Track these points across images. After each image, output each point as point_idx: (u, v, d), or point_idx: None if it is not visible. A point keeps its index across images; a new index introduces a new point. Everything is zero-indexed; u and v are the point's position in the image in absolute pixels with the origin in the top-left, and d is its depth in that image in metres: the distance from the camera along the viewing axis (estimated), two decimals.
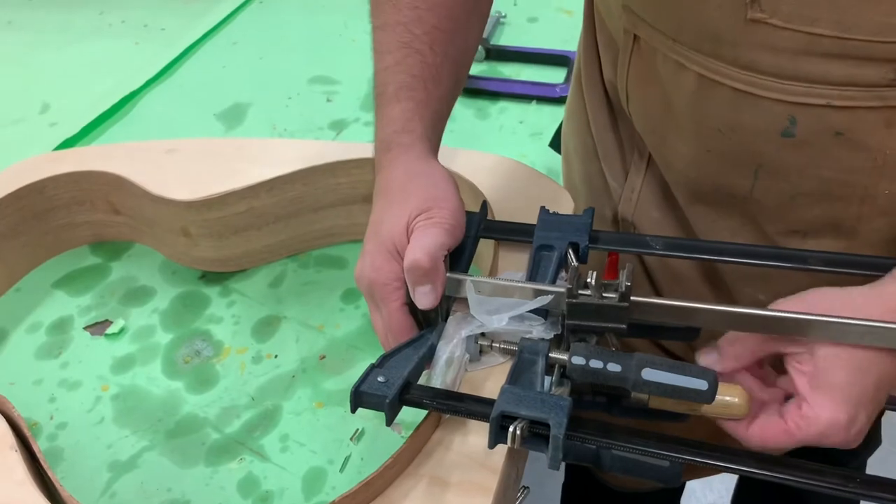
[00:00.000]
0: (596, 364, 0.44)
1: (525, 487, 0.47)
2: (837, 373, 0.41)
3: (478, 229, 0.53)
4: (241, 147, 0.69)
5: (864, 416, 0.41)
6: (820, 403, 0.41)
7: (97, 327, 0.63)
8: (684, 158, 0.53)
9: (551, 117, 0.85)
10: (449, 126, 0.83)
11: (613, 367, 0.44)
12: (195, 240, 0.65)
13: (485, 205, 0.55)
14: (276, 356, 0.61)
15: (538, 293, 0.46)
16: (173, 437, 0.55)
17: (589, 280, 0.44)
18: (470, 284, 0.46)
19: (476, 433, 0.43)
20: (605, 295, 0.45)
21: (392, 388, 0.41)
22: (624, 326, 0.45)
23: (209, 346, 0.62)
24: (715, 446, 0.41)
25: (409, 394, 0.42)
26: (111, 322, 0.64)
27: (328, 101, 0.88)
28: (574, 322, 0.46)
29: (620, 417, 0.48)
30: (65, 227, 0.68)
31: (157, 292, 0.66)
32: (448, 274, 0.47)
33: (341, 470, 0.52)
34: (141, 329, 0.63)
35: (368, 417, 0.55)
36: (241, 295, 0.66)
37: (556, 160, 0.77)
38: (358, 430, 0.55)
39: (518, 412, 0.39)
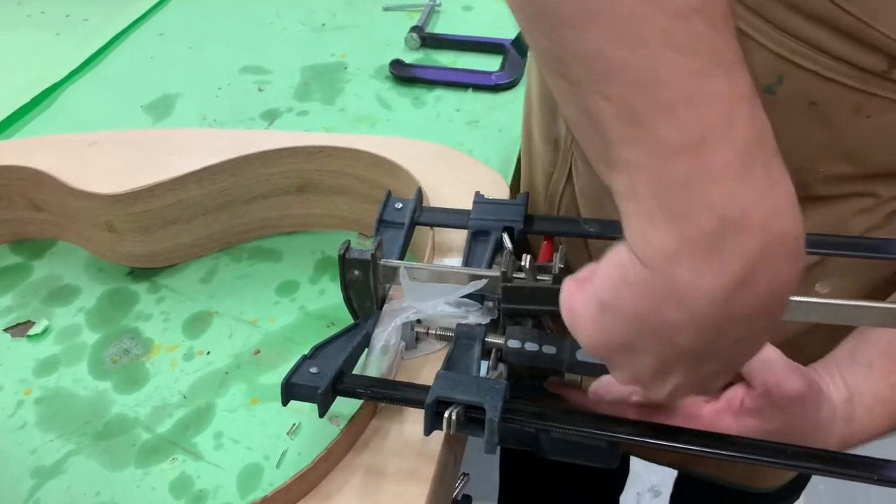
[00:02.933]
0: (531, 347, 0.44)
1: (465, 474, 0.47)
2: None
3: (412, 216, 0.53)
4: (168, 138, 0.67)
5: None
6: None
7: (18, 328, 0.60)
8: None
9: (487, 105, 0.84)
10: (385, 115, 0.84)
11: (549, 350, 0.44)
12: (121, 235, 0.63)
13: (419, 192, 0.54)
14: (208, 352, 0.59)
15: (473, 278, 0.45)
16: (101, 440, 0.53)
17: (523, 263, 0.44)
18: (404, 271, 0.45)
19: (412, 421, 0.43)
20: (539, 278, 0.45)
21: (325, 378, 0.40)
22: (558, 309, 0.45)
23: (138, 345, 0.59)
24: (647, 424, 0.41)
25: (342, 384, 0.41)
26: (33, 323, 0.61)
27: (260, 90, 0.86)
28: (509, 306, 0.45)
29: (557, 401, 0.48)
30: None
31: (82, 291, 0.64)
32: (382, 261, 0.46)
33: (278, 465, 0.51)
34: (66, 329, 0.61)
35: (305, 411, 0.54)
36: (170, 291, 0.64)
37: (493, 148, 0.77)
38: (295, 424, 0.53)
39: (453, 397, 0.39)
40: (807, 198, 0.51)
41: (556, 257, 0.44)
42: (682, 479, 1.17)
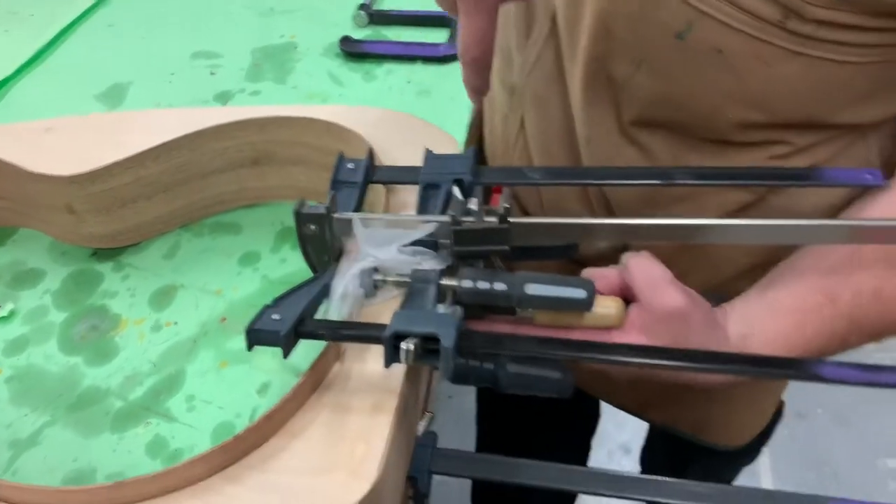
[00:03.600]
0: (483, 285, 0.46)
1: (429, 412, 0.49)
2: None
3: (365, 175, 0.54)
4: (122, 120, 0.68)
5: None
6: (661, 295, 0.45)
7: None
8: (587, 30, 0.54)
9: (437, 75, 0.86)
10: (337, 91, 0.85)
11: (500, 286, 0.46)
12: (81, 216, 0.64)
13: (371, 152, 0.56)
14: (175, 323, 0.60)
15: (424, 224, 0.47)
16: (75, 411, 0.54)
17: (471, 206, 0.46)
18: (357, 220, 0.47)
19: (374, 360, 0.45)
20: (486, 220, 0.47)
21: (287, 323, 0.42)
22: (507, 248, 0.47)
23: (105, 321, 0.61)
24: (595, 343, 0.44)
25: (304, 327, 0.43)
26: (0, 307, 0.62)
27: (212, 74, 0.88)
28: (461, 248, 0.48)
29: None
30: None
31: (47, 274, 0.65)
32: (336, 215, 0.48)
33: (250, 421, 0.53)
34: (32, 311, 0.62)
35: (274, 370, 0.56)
36: (134, 268, 0.65)
37: (445, 116, 0.79)
38: (264, 383, 0.55)
39: (410, 330, 0.41)
40: (723, 142, 0.54)
41: (501, 199, 0.46)
42: (651, 436, 1.21)
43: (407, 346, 0.40)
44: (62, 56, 0.90)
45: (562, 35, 0.58)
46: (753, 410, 0.78)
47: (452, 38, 0.90)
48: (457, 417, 1.36)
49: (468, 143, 0.77)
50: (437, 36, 0.92)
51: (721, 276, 0.61)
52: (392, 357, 0.41)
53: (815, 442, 1.38)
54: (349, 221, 0.48)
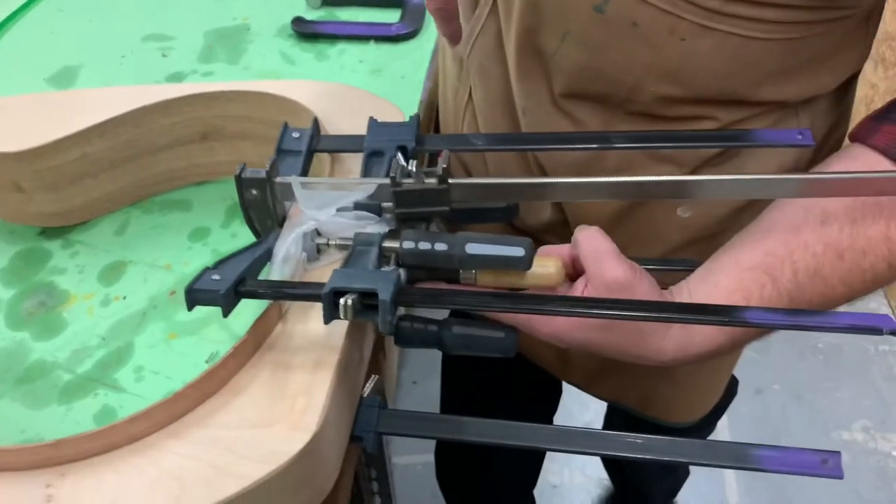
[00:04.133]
0: (424, 245, 0.47)
1: (375, 375, 0.50)
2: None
3: (310, 144, 0.55)
4: (70, 98, 0.68)
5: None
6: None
7: None
8: (516, 10, 0.55)
9: (390, 55, 0.87)
10: (289, 70, 0.86)
11: (440, 246, 0.47)
12: (29, 194, 0.63)
13: (316, 121, 0.57)
14: (124, 297, 0.60)
15: (364, 185, 0.48)
16: (22, 384, 0.54)
17: (410, 168, 0.47)
18: (296, 182, 0.48)
19: (317, 320, 0.45)
20: (426, 181, 0.48)
21: (226, 283, 0.43)
22: (447, 208, 0.48)
23: (54, 297, 0.61)
24: (528, 295, 0.44)
25: (244, 287, 0.44)
26: None
27: (164, 56, 0.87)
28: (402, 210, 0.48)
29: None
30: None
31: None
32: (277, 179, 0.48)
33: None
34: None
35: (223, 341, 0.56)
36: (84, 245, 0.65)
37: (397, 93, 0.80)
38: (213, 353, 0.56)
39: (348, 286, 0.41)
40: (651, 116, 0.55)
41: (440, 160, 0.47)
42: (609, 415, 1.23)
43: (345, 301, 0.41)
44: (11, 40, 0.90)
45: (500, 7, 0.59)
46: (700, 390, 0.79)
47: (404, 17, 0.91)
48: (421, 403, 1.37)
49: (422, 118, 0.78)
50: (390, 16, 0.92)
51: (655, 253, 0.62)
52: (331, 313, 0.42)
53: (772, 416, 1.41)
54: (290, 185, 0.49)
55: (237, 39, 0.90)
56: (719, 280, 0.49)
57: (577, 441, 0.45)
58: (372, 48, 0.88)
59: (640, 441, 0.45)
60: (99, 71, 0.85)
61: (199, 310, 0.59)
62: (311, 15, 0.93)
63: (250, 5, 0.96)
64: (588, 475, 1.35)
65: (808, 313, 0.41)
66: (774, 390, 1.46)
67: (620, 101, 0.55)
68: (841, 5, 0.48)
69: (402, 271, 0.45)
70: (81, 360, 0.56)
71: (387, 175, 0.52)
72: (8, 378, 0.55)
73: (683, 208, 0.61)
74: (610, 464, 1.30)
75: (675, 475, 1.23)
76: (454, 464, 1.06)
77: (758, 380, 1.48)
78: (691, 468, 1.22)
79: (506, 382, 0.96)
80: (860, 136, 0.49)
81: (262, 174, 0.48)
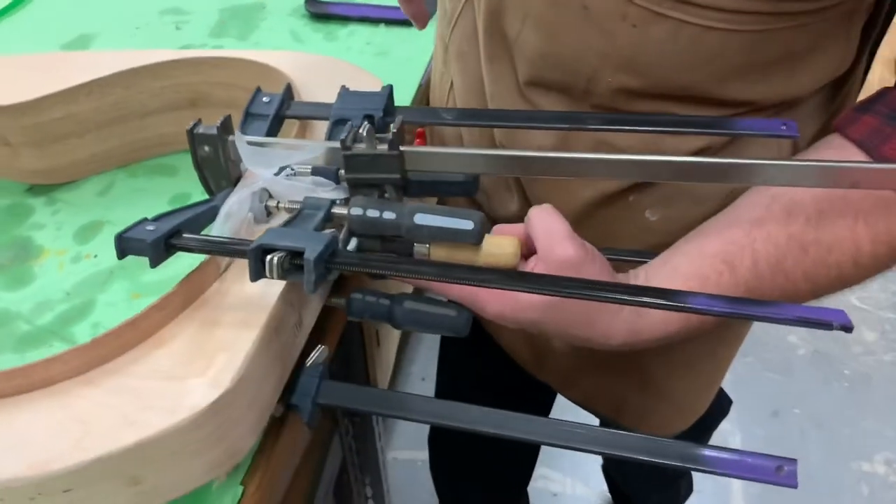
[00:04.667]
0: (373, 213, 0.46)
1: (322, 346, 0.49)
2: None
3: (278, 109, 0.54)
4: (66, 59, 0.68)
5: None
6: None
7: None
8: None
9: (398, 38, 0.86)
10: (296, 48, 0.85)
11: (389, 215, 0.45)
12: (16, 149, 0.64)
13: (288, 87, 0.56)
14: (95, 256, 0.60)
15: (311, 145, 0.47)
16: None
17: (360, 132, 0.46)
18: (241, 138, 0.47)
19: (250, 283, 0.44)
20: (378, 147, 0.46)
21: (157, 233, 0.42)
22: (398, 176, 0.47)
23: (28, 251, 0.61)
24: (462, 266, 0.43)
25: (178, 240, 0.43)
26: None
27: (177, 28, 0.88)
28: (353, 175, 0.47)
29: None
30: None
31: None
32: (230, 138, 0.48)
33: None
34: None
35: None
36: (66, 203, 0.66)
37: (397, 75, 0.79)
38: None
39: (276, 244, 0.40)
40: (612, 110, 0.52)
41: (392, 126, 0.46)
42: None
43: (272, 258, 0.40)
44: (35, 7, 0.92)
45: None
46: (677, 402, 0.75)
47: None
48: None
49: (416, 102, 0.77)
50: None
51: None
52: (258, 271, 0.41)
53: (789, 441, 1.35)
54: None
55: (250, 17, 0.90)
56: (679, 265, 0.47)
57: (508, 424, 0.43)
58: (381, 31, 0.88)
59: (579, 431, 0.43)
60: (113, 40, 0.86)
61: (165, 272, 0.59)
62: None
63: None
64: (591, 487, 1.31)
65: (753, 302, 0.38)
66: (794, 414, 1.40)
67: (581, 92, 0.52)
68: None
69: (338, 234, 0.44)
70: (43, 312, 0.56)
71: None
72: None
73: (652, 210, 0.58)
74: (606, 473, 1.26)
75: (676, 490, 1.18)
76: (444, 453, 1.04)
77: (776, 402, 1.42)
78: (696, 486, 1.18)
79: (495, 378, 0.94)
80: (839, 126, 0.46)
81: (214, 130, 0.47)
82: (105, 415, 0.38)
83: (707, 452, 0.43)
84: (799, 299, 0.46)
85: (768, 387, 1.42)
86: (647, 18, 0.46)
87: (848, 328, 0.37)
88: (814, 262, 0.44)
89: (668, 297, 0.39)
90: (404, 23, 0.87)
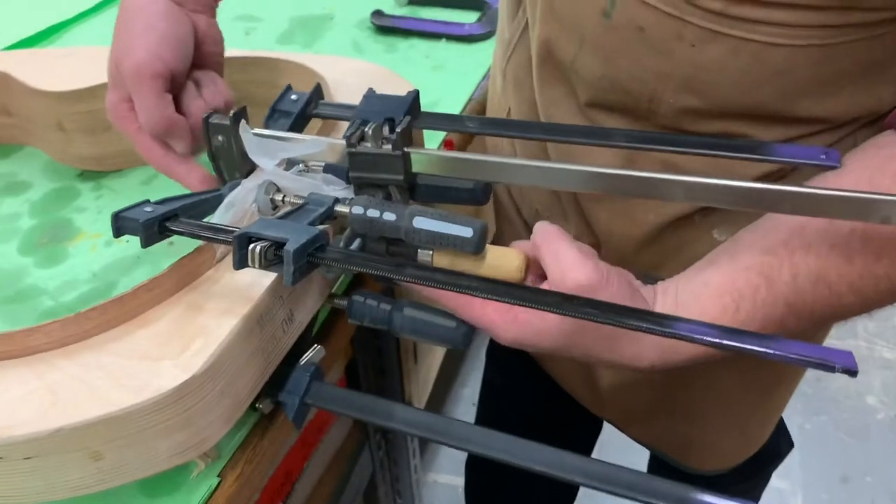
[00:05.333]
0: (373, 213, 0.45)
1: (317, 345, 0.48)
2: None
3: (304, 108, 0.54)
4: None
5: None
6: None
7: None
8: (537, 20, 0.53)
9: (457, 54, 0.86)
10: (354, 57, 0.86)
11: (389, 216, 0.44)
12: (70, 135, 0.67)
13: (318, 87, 0.56)
14: (127, 241, 0.62)
15: (315, 140, 0.46)
16: (9, 303, 0.57)
17: (367, 130, 0.45)
18: (245, 128, 0.47)
19: (247, 271, 0.44)
20: (383, 147, 0.46)
21: (153, 215, 0.42)
22: (401, 178, 0.46)
23: (67, 232, 0.63)
24: (449, 271, 0.41)
25: (174, 224, 0.43)
26: None
27: (246, 34, 0.91)
28: (357, 174, 0.46)
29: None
30: None
31: (33, 186, 0.69)
32: (242, 132, 0.48)
33: None
34: (8, 215, 0.65)
35: None
36: (111, 190, 0.68)
37: (450, 90, 0.78)
38: None
39: (260, 234, 0.40)
40: (678, 130, 0.50)
41: (398, 126, 0.45)
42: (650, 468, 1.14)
43: (254, 248, 0.39)
44: (114, 9, 0.96)
45: (529, 18, 0.57)
46: (733, 433, 0.72)
47: (481, 19, 0.90)
48: None
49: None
50: (469, 18, 0.91)
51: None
52: (241, 259, 0.40)
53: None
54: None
55: (318, 26, 0.92)
56: (711, 278, 0.44)
57: (530, 455, 0.41)
58: (442, 46, 0.87)
59: (623, 475, 0.41)
60: None
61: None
62: (393, 10, 0.93)
63: None
64: None
65: (745, 334, 0.35)
66: (866, 482, 1.29)
67: (643, 112, 0.51)
68: (871, 6, 0.41)
69: (329, 230, 0.43)
70: (67, 291, 0.58)
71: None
72: None
73: (719, 230, 0.55)
74: None
75: None
76: (478, 480, 1.02)
77: (847, 466, 1.32)
78: None
79: (542, 410, 0.91)
80: (892, 123, 0.42)
81: (227, 121, 0.47)
82: (75, 388, 0.38)
83: (701, 497, 0.39)
84: (846, 314, 0.42)
85: (840, 450, 1.32)
86: (705, 37, 0.44)
87: (852, 372, 0.33)
88: (860, 273, 0.40)
89: (658, 324, 0.36)
90: (465, 39, 0.87)
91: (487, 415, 1.00)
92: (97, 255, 0.61)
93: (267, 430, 0.48)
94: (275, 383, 0.47)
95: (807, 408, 1.40)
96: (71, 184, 0.69)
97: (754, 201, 0.41)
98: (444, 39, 0.88)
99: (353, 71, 0.65)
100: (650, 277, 0.48)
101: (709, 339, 0.35)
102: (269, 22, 0.93)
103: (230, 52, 0.67)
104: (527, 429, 0.88)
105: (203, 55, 0.55)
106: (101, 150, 0.68)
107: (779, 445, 0.84)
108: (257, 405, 0.47)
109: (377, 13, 0.90)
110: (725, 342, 0.34)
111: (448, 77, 0.82)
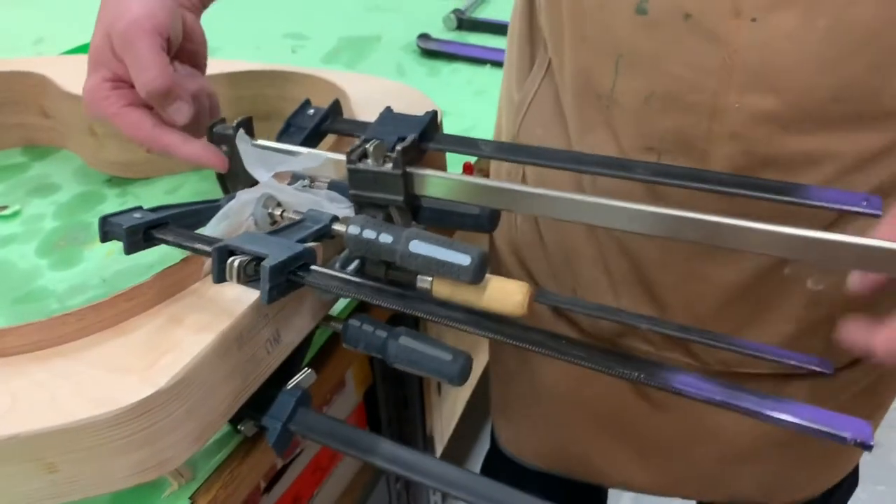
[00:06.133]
0: (369, 234, 0.43)
1: (308, 369, 0.46)
2: None
3: (319, 123, 0.53)
4: None
5: None
6: None
7: None
8: (567, 52, 0.49)
9: (499, 79, 0.83)
10: (396, 79, 0.85)
11: (385, 238, 0.42)
12: (101, 140, 0.67)
13: (336, 102, 0.55)
14: None
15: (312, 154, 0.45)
16: (18, 304, 0.57)
17: (368, 147, 0.43)
18: (242, 136, 0.45)
19: (233, 286, 0.42)
20: (385, 166, 0.43)
21: (139, 222, 0.41)
22: (401, 198, 0.43)
23: (86, 236, 0.63)
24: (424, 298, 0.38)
25: (160, 233, 0.42)
26: (9, 207, 0.66)
27: (293, 52, 0.91)
28: (357, 192, 0.44)
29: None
30: None
31: (62, 188, 0.69)
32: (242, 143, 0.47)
33: None
34: (34, 216, 0.66)
35: None
36: (135, 197, 0.68)
37: (487, 115, 0.76)
38: None
39: (240, 247, 0.38)
40: (744, 169, 0.44)
41: (400, 144, 0.43)
42: None
43: (232, 261, 0.38)
44: None
45: (553, 63, 0.53)
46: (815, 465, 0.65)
47: None
48: None
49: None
50: None
51: (782, 333, 0.52)
52: (220, 273, 0.38)
53: None
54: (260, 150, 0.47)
55: (364, 47, 0.92)
56: None
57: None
58: (485, 71, 0.86)
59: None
60: (232, 54, 0.90)
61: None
62: (441, 35, 0.92)
63: (391, 18, 0.98)
64: None
65: (747, 392, 0.31)
66: None
67: (703, 134, 0.44)
68: None
69: (317, 248, 0.41)
70: (75, 295, 0.57)
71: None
72: (9, 296, 0.57)
73: (814, 279, 0.49)
74: None
75: None
76: None
77: None
78: None
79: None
80: None
81: (229, 130, 0.46)
82: (37, 395, 0.37)
83: None
84: None
85: None
86: (767, 5, 0.37)
87: (867, 446, 0.29)
88: None
89: (649, 373, 0.32)
90: None
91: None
92: (111, 262, 0.60)
93: (248, 454, 0.46)
94: (259, 406, 0.45)
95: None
96: (98, 189, 0.69)
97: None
98: (488, 65, 0.86)
99: (382, 90, 0.64)
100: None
101: (710, 395, 0.32)
102: (316, 40, 0.93)
103: (256, 65, 0.66)
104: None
105: (187, 52, 0.53)
106: (130, 157, 0.68)
107: (853, 480, 0.77)
108: (239, 427, 0.45)
109: (424, 36, 0.89)
110: (729, 401, 0.30)
111: (488, 102, 0.79)
